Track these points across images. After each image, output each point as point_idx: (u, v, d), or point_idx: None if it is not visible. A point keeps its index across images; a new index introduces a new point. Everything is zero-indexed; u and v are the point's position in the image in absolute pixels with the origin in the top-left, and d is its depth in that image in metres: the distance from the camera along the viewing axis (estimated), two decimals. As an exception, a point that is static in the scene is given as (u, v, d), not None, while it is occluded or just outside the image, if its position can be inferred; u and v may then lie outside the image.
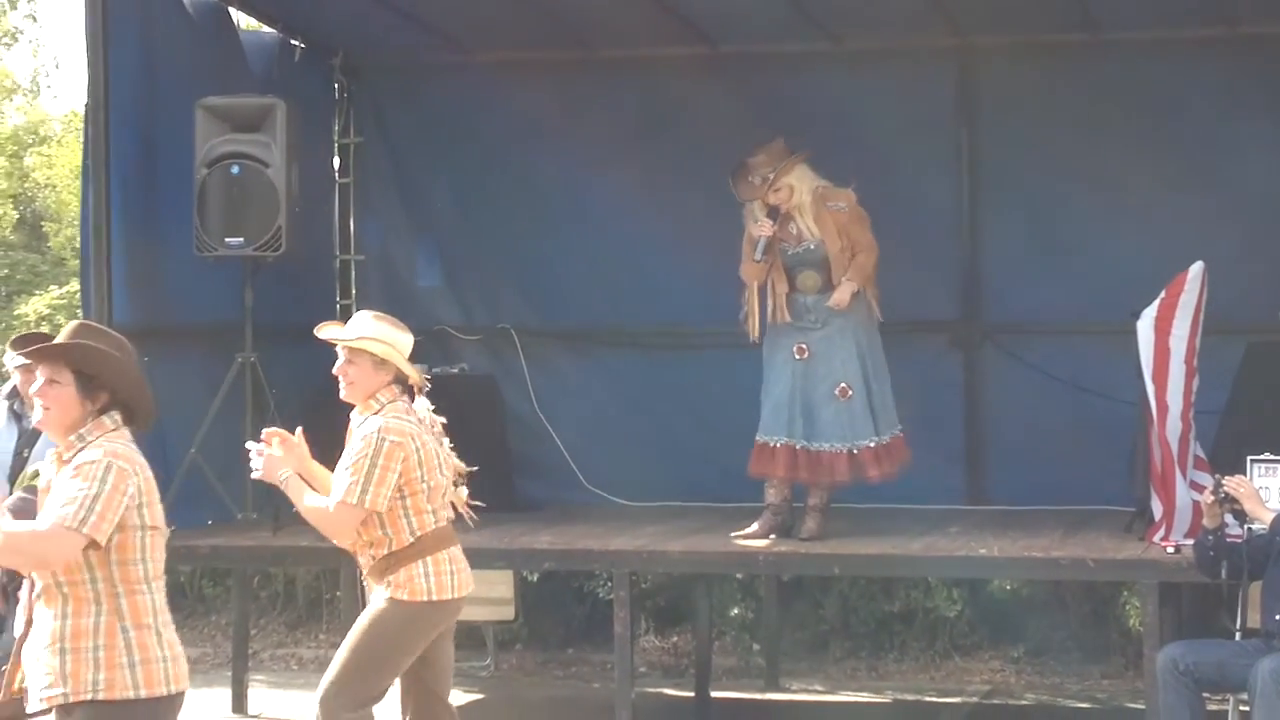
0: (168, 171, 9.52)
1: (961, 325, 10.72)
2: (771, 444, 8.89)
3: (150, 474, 5.25)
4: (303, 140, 9.70)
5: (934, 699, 10.42)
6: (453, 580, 6.72)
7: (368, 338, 6.71)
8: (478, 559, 9.24)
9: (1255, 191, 10.21)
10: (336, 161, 11.39)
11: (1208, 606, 9.06)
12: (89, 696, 5.10)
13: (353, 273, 11.41)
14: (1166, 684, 7.68)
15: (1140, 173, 10.34)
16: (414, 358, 10.81)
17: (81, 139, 11.13)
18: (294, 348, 10.54)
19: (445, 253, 11.34)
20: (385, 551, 6.62)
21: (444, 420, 6.91)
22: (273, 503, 9.23)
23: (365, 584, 6.89)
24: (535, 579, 11.01)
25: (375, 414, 6.65)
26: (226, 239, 9.29)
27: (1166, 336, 8.53)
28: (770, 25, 10.24)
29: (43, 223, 13.88)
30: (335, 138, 11.35)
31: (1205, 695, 7.79)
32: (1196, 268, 8.63)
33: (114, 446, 5.19)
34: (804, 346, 8.91)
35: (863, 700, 10.45)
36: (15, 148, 13.57)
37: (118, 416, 5.29)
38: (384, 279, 11.40)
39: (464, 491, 6.98)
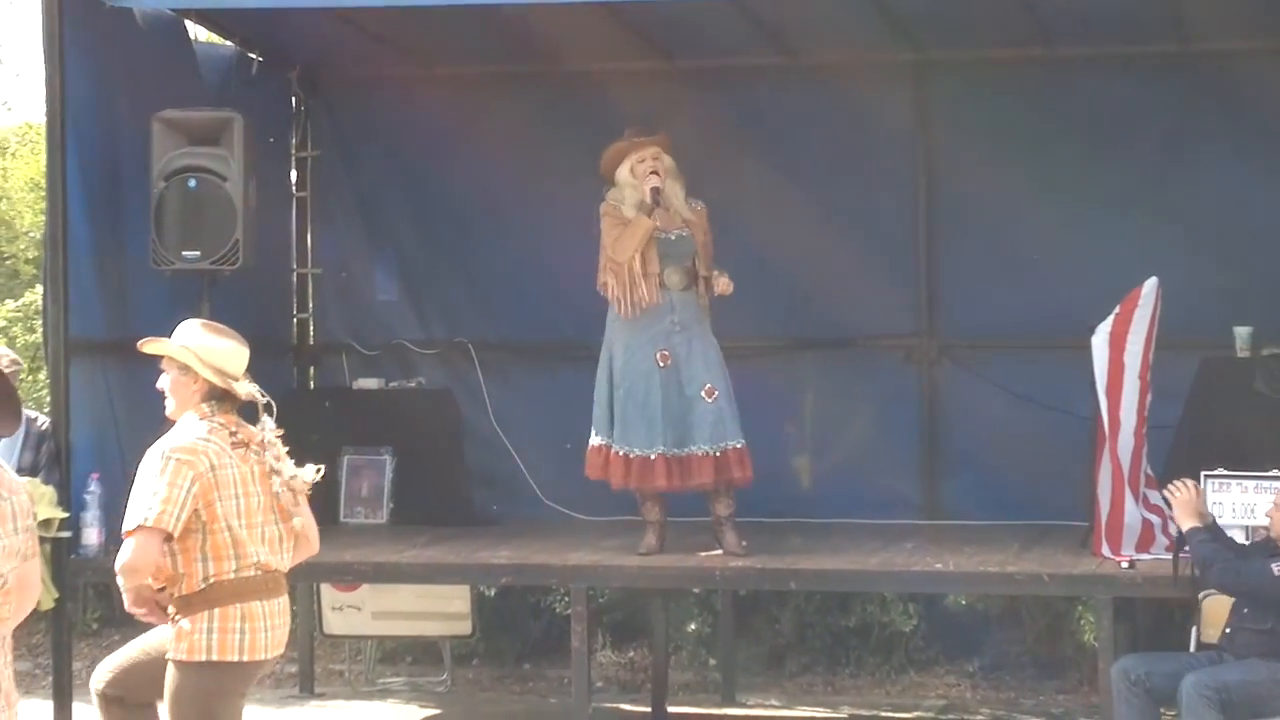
0: (126, 185, 9.48)
1: (918, 340, 10.75)
2: (651, 457, 8.87)
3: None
4: (260, 154, 9.67)
5: (890, 714, 10.41)
6: (241, 640, 5.97)
7: (171, 344, 6.13)
8: (436, 574, 9.39)
9: (1209, 207, 10.28)
10: (294, 175, 11.36)
11: (1162, 621, 9.12)
12: None
13: (310, 286, 11.40)
14: (1120, 695, 7.73)
15: (1096, 188, 10.40)
16: (373, 370, 11.06)
17: (35, 152, 11.10)
18: (251, 361, 10.54)
19: (403, 266, 11.33)
20: (177, 593, 5.99)
21: (285, 448, 6.18)
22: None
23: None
24: (492, 594, 10.98)
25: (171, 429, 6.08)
26: (183, 252, 9.22)
27: (1121, 352, 8.57)
28: (727, 40, 10.27)
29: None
30: (293, 151, 11.33)
31: (1163, 711, 7.83)
32: (1150, 283, 8.68)
33: None
34: (666, 353, 8.88)
35: (819, 715, 10.43)
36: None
37: None
38: (341, 293, 11.41)
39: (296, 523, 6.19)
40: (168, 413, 6.17)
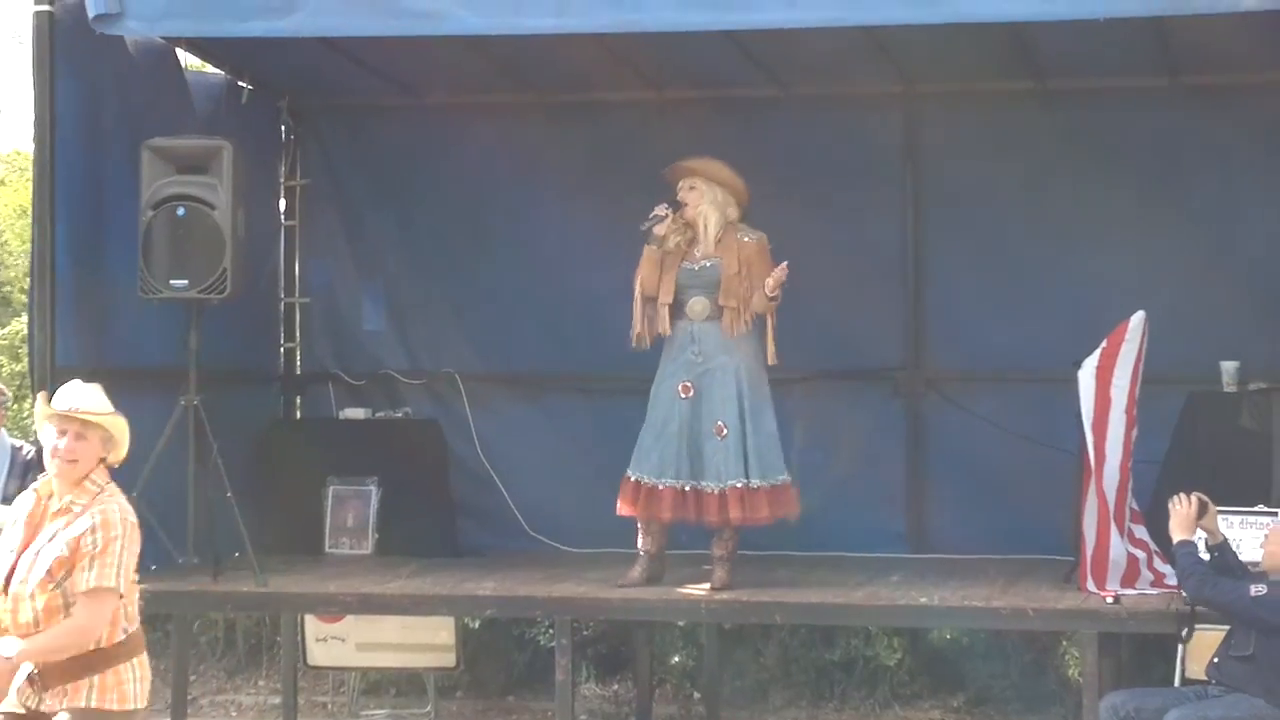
0: (114, 213, 9.46)
1: (905, 373, 10.75)
2: (660, 486, 8.89)
3: None
4: (249, 182, 9.63)
5: (875, 748, 10.42)
6: (140, 689, 6.05)
7: (102, 412, 6.08)
8: (420, 605, 9.34)
9: (1196, 241, 10.29)
10: (283, 204, 11.35)
11: (1147, 656, 9.11)
12: None
13: (298, 316, 11.39)
14: (1108, 732, 7.74)
15: (1083, 221, 10.41)
16: (359, 400, 11.05)
17: (25, 179, 11.08)
18: (238, 390, 10.56)
19: (391, 296, 11.33)
20: (91, 646, 5.98)
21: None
22: (214, 548, 9.20)
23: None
24: (477, 626, 10.95)
25: (100, 495, 6.03)
26: (171, 281, 9.17)
27: (1107, 386, 8.58)
28: (717, 71, 10.28)
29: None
30: (282, 180, 11.31)
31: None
32: (1137, 317, 8.69)
33: None
34: (689, 385, 8.90)
35: (804, 749, 10.44)
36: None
37: None
38: (329, 322, 11.40)
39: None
40: (68, 477, 6.03)
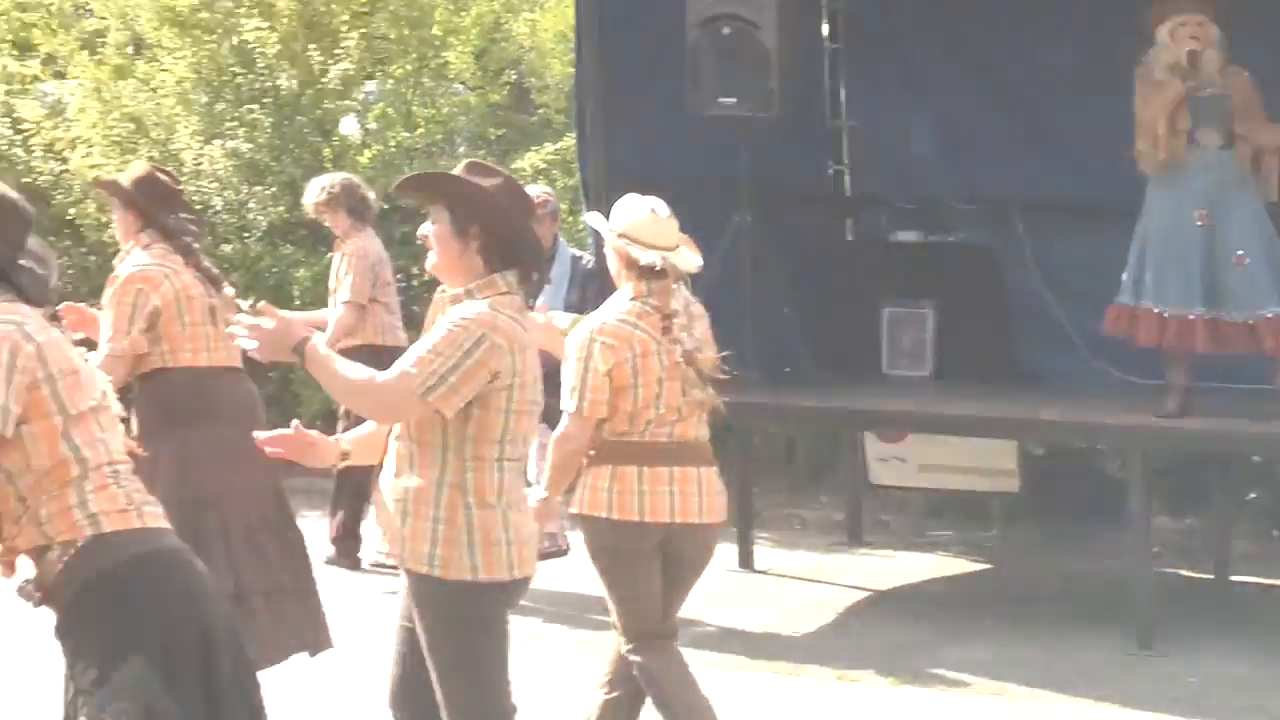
0: (658, 33, 9.48)
1: None
2: (1189, 316, 8.54)
3: (532, 353, 5.07)
4: (794, 3, 9.54)
5: None
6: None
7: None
8: (979, 427, 9.24)
9: None
10: (825, 27, 11.13)
11: None
12: (425, 570, 5.04)
13: (844, 139, 11.24)
14: None
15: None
16: (910, 224, 10.75)
17: (563, 3, 11.27)
18: (788, 210, 10.49)
19: (940, 122, 10.95)
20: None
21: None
22: (775, 362, 9.07)
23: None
24: (1041, 453, 10.70)
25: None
26: (719, 99, 9.24)
27: None
28: None
29: (528, 85, 14.16)
30: (824, 3, 11.07)
31: None
32: None
33: (495, 317, 5.00)
34: (1205, 212, 8.53)
35: None
36: (496, 17, 13.86)
37: (511, 278, 5.08)
38: (876, 147, 11.14)
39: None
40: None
